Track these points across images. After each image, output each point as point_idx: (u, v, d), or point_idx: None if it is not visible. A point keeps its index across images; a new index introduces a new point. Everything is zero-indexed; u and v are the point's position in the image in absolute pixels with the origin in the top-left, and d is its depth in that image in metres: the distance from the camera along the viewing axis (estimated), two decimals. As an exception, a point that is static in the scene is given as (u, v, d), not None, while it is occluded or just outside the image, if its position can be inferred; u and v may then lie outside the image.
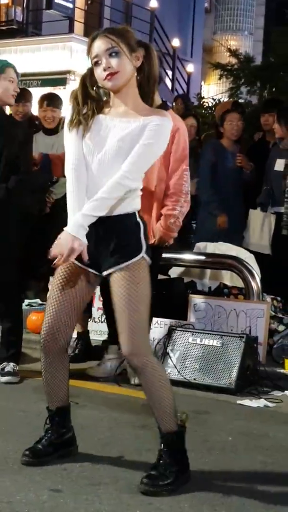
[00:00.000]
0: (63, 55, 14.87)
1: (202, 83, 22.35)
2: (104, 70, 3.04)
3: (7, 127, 4.76)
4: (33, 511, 2.80)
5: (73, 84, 13.87)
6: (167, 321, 5.26)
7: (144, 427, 3.92)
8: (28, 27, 16.30)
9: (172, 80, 18.60)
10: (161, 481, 3.05)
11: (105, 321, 5.53)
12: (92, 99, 3.11)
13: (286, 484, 3.30)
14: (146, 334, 3.17)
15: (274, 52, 12.45)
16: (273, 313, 5.62)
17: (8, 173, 4.67)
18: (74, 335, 5.11)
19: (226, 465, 3.46)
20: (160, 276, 5.50)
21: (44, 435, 3.35)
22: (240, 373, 4.76)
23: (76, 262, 3.15)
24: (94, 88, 3.12)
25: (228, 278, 6.10)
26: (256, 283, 5.53)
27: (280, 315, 5.70)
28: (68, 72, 14.67)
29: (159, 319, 5.27)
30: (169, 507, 2.91)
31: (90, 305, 5.59)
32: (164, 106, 4.51)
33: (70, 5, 15.71)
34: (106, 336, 5.37)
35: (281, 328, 5.59)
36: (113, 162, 3.05)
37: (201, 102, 14.36)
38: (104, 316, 5.71)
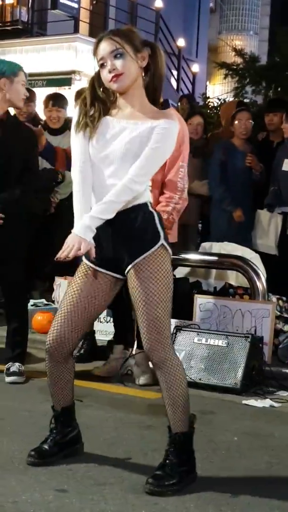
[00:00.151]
0: (68, 55, 14.88)
1: (207, 83, 22.34)
2: (110, 72, 3.04)
3: (18, 131, 4.79)
4: (38, 511, 2.81)
5: (78, 84, 13.87)
6: (173, 321, 5.24)
7: (149, 427, 3.92)
8: (33, 27, 16.29)
9: (178, 80, 18.58)
10: (167, 481, 3.04)
11: (111, 321, 5.54)
12: (99, 101, 3.12)
13: (292, 484, 3.30)
14: (167, 330, 3.10)
15: (280, 52, 12.44)
16: (278, 313, 5.61)
17: (21, 175, 4.71)
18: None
19: (232, 465, 3.45)
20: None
21: (49, 435, 3.35)
22: (246, 373, 4.76)
23: (96, 267, 3.15)
24: (101, 89, 3.12)
25: (234, 278, 6.10)
26: (261, 283, 5.52)
27: (286, 315, 5.70)
28: (73, 72, 14.67)
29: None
30: (174, 507, 2.91)
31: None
32: (165, 105, 4.51)
33: (75, 5, 15.69)
34: (112, 336, 5.37)
35: (286, 328, 5.59)
36: (121, 164, 3.05)
37: (206, 102, 14.36)
38: (109, 317, 5.72)
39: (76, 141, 3.13)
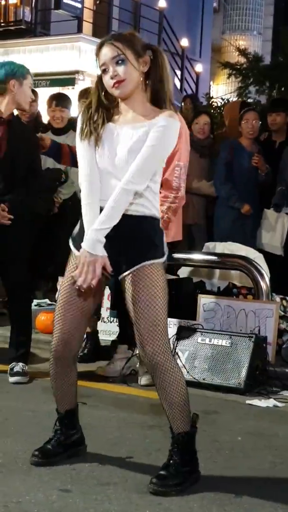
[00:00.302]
0: (71, 55, 14.90)
1: (211, 83, 22.30)
2: (111, 78, 3.03)
3: (22, 131, 4.80)
4: (42, 511, 2.81)
5: (82, 84, 13.89)
6: (176, 321, 5.26)
7: (153, 427, 3.92)
8: (37, 27, 16.32)
9: (181, 80, 18.58)
10: (171, 481, 3.04)
11: (114, 321, 5.54)
12: (103, 107, 3.10)
13: (296, 484, 3.29)
14: (165, 333, 3.12)
15: (283, 51, 12.41)
16: (282, 313, 5.61)
17: (26, 176, 4.73)
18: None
19: (235, 465, 3.45)
20: (169, 276, 5.49)
21: (53, 436, 3.36)
22: (249, 373, 4.76)
23: None
24: (104, 93, 3.11)
25: (237, 278, 6.09)
26: (265, 283, 5.51)
27: (290, 315, 5.70)
28: (77, 72, 14.69)
29: (168, 319, 5.23)
30: (178, 507, 2.91)
31: (99, 305, 5.59)
32: None
33: (79, 5, 15.69)
34: (115, 336, 5.37)
35: (290, 328, 5.59)
36: (125, 172, 3.02)
37: (210, 102, 14.34)
38: (112, 317, 5.72)
39: (81, 150, 3.11)
